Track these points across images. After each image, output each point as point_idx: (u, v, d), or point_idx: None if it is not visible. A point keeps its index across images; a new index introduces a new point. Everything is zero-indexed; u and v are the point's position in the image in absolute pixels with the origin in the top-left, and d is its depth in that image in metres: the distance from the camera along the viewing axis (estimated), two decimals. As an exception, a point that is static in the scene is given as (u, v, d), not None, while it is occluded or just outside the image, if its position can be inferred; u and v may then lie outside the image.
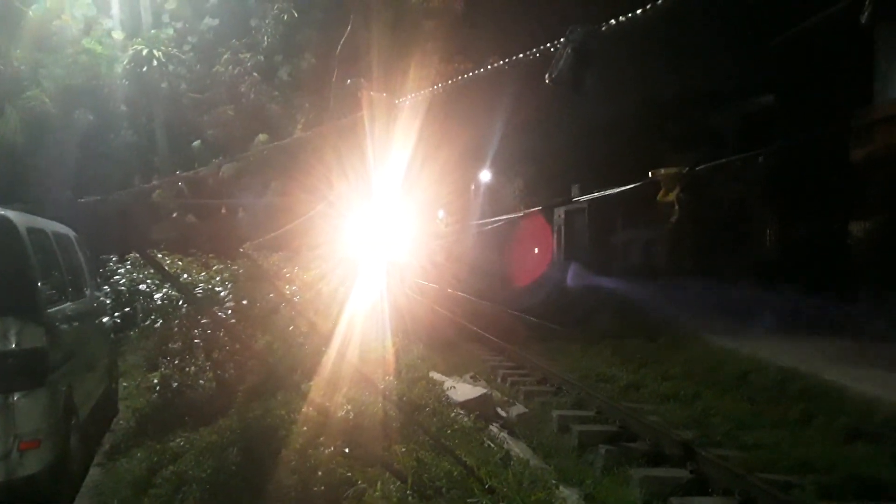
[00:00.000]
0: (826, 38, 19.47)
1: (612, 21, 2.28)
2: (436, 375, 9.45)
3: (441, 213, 14.79)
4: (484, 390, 9.22)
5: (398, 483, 4.62)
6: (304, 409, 5.90)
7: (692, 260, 27.62)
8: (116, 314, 8.74)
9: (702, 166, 3.38)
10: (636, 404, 10.18)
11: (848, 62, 19.08)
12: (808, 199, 19.06)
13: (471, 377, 10.88)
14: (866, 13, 2.18)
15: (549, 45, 2.44)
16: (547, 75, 2.50)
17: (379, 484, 4.62)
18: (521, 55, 2.55)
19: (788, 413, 9.55)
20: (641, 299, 21.17)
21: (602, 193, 5.09)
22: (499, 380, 12.19)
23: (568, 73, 2.42)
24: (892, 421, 8.62)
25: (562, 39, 2.38)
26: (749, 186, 22.06)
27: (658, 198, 3.50)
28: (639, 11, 2.28)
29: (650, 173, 3.48)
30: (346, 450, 5.20)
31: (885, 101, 17.69)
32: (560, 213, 38.93)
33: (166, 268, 8.10)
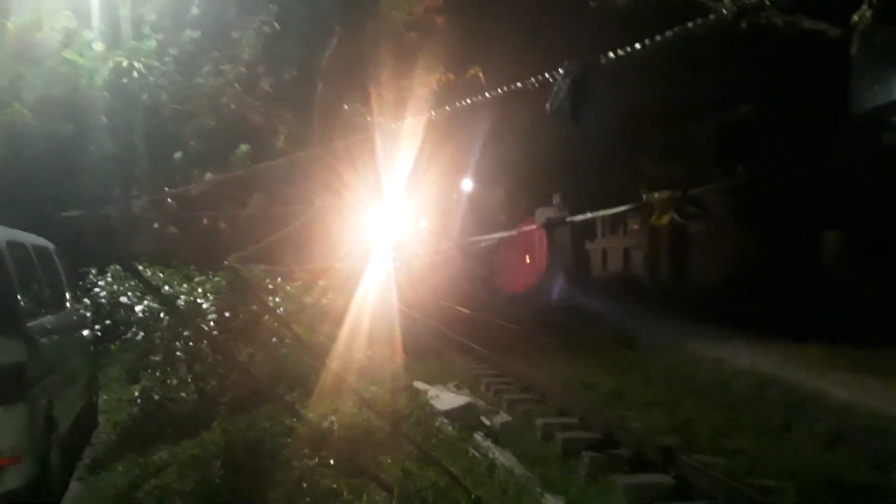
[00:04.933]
0: (803, 51, 19.77)
1: (611, 54, 2.34)
2: (420, 384, 9.45)
3: (424, 224, 14.84)
4: (468, 399, 9.24)
5: (384, 494, 4.63)
6: (287, 421, 5.88)
7: (672, 268, 27.86)
8: (97, 327, 8.67)
9: (695, 190, 3.44)
10: (619, 411, 10.24)
11: (825, 76, 19.38)
12: (784, 210, 19.28)
13: (455, 386, 10.89)
14: (856, 45, 2.26)
15: (544, 75, 2.51)
16: (547, 105, 2.56)
17: (364, 495, 4.62)
18: (517, 85, 2.61)
19: (769, 419, 9.66)
20: (622, 308, 21.30)
21: (595, 214, 5.15)
22: (483, 388, 12.20)
23: (567, 105, 2.48)
24: (870, 426, 8.73)
25: (560, 70, 2.44)
26: (727, 197, 22.28)
27: (652, 220, 3.56)
28: (637, 46, 2.34)
29: (644, 196, 3.54)
30: (331, 461, 5.20)
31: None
32: (542, 221, 39.11)
33: (148, 279, 8.05)
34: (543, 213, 37.66)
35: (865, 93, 19.20)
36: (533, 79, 2.70)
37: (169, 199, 10.36)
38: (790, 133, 20.67)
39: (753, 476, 7.19)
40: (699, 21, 2.31)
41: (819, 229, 19.22)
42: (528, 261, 39.76)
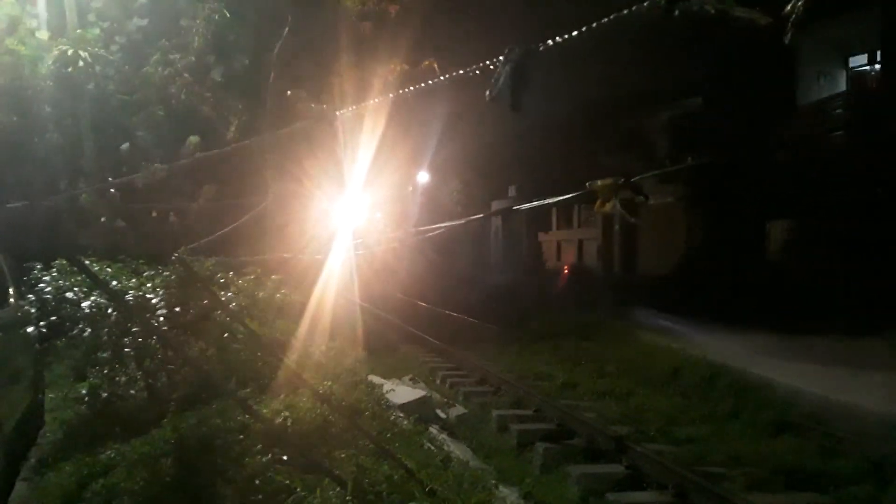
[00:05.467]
0: (751, 44, 20.17)
1: (550, 42, 2.32)
2: (375, 378, 9.41)
3: (378, 216, 14.75)
4: (423, 392, 9.25)
5: (338, 489, 4.59)
6: (240, 418, 5.80)
7: (623, 258, 28.23)
8: (42, 323, 8.44)
9: (636, 177, 3.44)
10: (573, 402, 10.35)
11: (772, 68, 19.78)
12: (731, 200, 19.66)
13: (410, 379, 10.89)
14: (789, 34, 2.28)
15: (487, 62, 2.48)
16: (487, 93, 2.54)
17: (318, 491, 4.58)
18: (460, 72, 2.58)
19: (718, 407, 9.86)
20: (575, 299, 21.51)
21: (541, 203, 5.12)
22: (438, 381, 12.23)
23: (506, 92, 2.46)
24: (815, 413, 8.98)
25: (500, 58, 2.41)
26: (676, 188, 22.62)
27: (595, 208, 3.57)
28: (575, 33, 2.32)
29: (587, 184, 3.54)
30: (285, 457, 5.14)
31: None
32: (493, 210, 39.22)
33: (95, 274, 7.85)
34: (499, 205, 37.79)
35: (811, 85, 19.66)
36: (478, 66, 2.67)
37: (112, 190, 10.09)
38: (738, 124, 21.08)
39: (704, 464, 7.34)
40: (634, 8, 2.31)
41: (765, 219, 19.64)
42: (481, 248, 39.87)
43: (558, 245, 35.55)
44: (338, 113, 7.68)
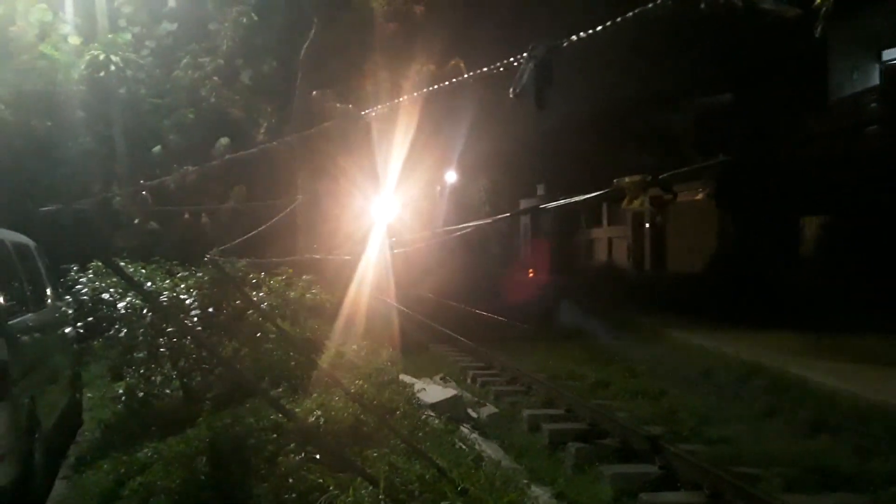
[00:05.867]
0: (782, 37, 19.90)
1: (574, 37, 2.30)
2: (406, 378, 9.43)
3: (407, 215, 14.79)
4: (454, 391, 9.24)
5: (370, 488, 4.61)
6: (273, 417, 5.85)
7: (654, 257, 28.01)
8: (79, 324, 8.59)
9: (664, 174, 3.41)
10: (605, 401, 10.29)
11: (803, 62, 19.50)
12: (763, 197, 19.39)
13: (441, 378, 10.88)
14: (820, 27, 2.24)
15: (511, 59, 2.47)
16: (511, 90, 2.53)
17: (351, 489, 4.60)
18: (484, 69, 2.58)
19: (752, 407, 9.74)
20: (607, 297, 21.38)
21: (568, 200, 5.10)
22: (469, 380, 12.22)
23: (530, 89, 2.45)
24: (852, 413, 8.82)
25: (524, 54, 2.40)
26: (707, 184, 22.37)
27: (623, 205, 3.53)
28: (599, 28, 2.31)
29: (615, 181, 3.51)
30: (317, 456, 5.17)
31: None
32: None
33: (130, 275, 7.97)
34: (528, 204, 37.69)
35: (844, 79, 19.34)
36: (503, 63, 2.65)
37: (143, 193, 10.24)
38: (770, 119, 20.80)
39: (738, 464, 7.24)
40: (658, 2, 2.28)
41: (798, 216, 19.36)
42: (511, 247, 39.80)
43: (589, 244, 35.35)
44: (364, 113, 7.71)
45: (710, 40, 20.63)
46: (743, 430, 8.72)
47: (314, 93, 12.27)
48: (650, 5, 2.32)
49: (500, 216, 19.90)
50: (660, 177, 3.58)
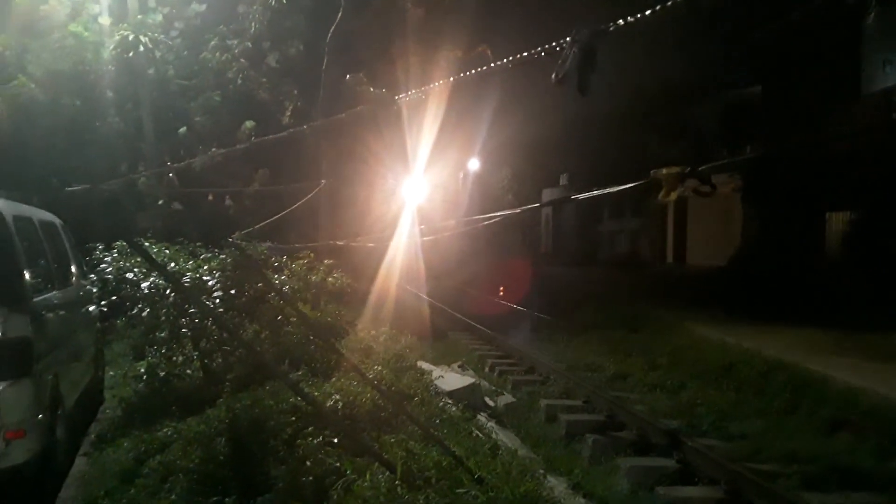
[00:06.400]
0: (813, 30, 19.60)
1: (620, 21, 2.26)
2: (424, 365, 9.46)
3: (433, 202, 14.82)
4: (472, 380, 9.24)
5: (387, 473, 4.62)
6: (292, 399, 5.89)
7: (677, 249, 27.81)
8: (103, 303, 8.69)
9: (704, 167, 3.37)
10: (623, 394, 10.24)
11: (835, 55, 19.19)
12: (789, 191, 19.15)
13: (459, 366, 10.89)
14: (872, 14, 2.20)
15: (553, 44, 2.42)
16: (553, 75, 2.48)
17: (368, 474, 4.62)
18: (524, 54, 2.54)
19: (773, 403, 9.62)
20: (626, 289, 21.26)
21: (602, 192, 5.06)
22: (487, 369, 12.22)
23: (573, 74, 2.40)
24: (873, 411, 8.71)
25: (567, 39, 2.36)
26: (732, 178, 22.13)
27: (660, 198, 3.49)
28: (648, 12, 2.27)
29: (651, 173, 3.46)
30: (335, 440, 5.20)
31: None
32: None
33: (153, 256, 8.04)
34: (550, 195, 37.55)
35: (877, 73, 19.00)
36: (539, 49, 2.59)
37: (171, 175, 10.32)
38: (799, 113, 20.52)
39: (757, 460, 7.19)
40: None
41: (824, 210, 19.10)
42: (532, 236, 39.68)
43: (611, 235, 35.17)
44: (398, 98, 7.70)
45: (739, 30, 20.36)
46: (762, 427, 8.63)
47: (347, 77, 12.27)
48: None
49: (529, 206, 19.80)
50: (699, 168, 3.53)
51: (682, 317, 15.84)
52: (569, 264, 31.66)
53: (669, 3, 2.22)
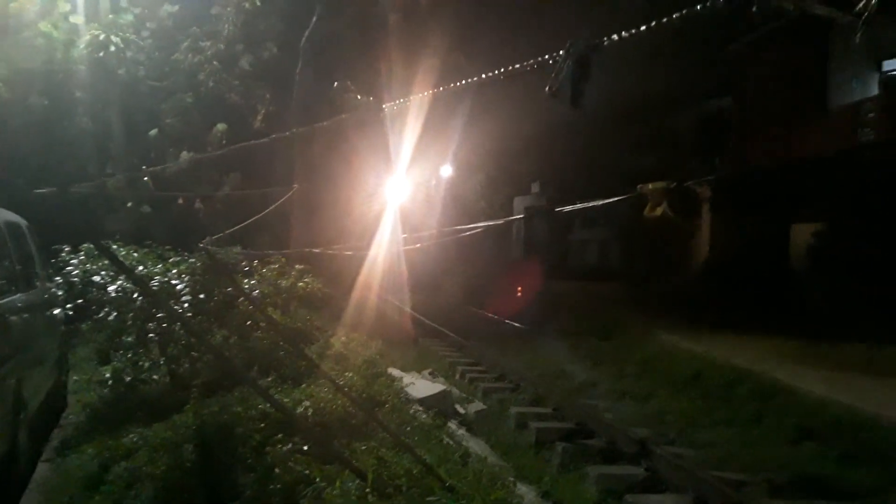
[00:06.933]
0: (783, 44, 19.94)
1: (615, 36, 2.28)
2: (394, 371, 9.42)
3: (405, 209, 14.77)
4: (443, 387, 9.23)
5: (357, 481, 4.59)
6: (261, 406, 5.83)
7: (646, 259, 28.00)
8: (69, 306, 8.53)
9: (689, 182, 3.41)
10: (593, 401, 10.29)
11: (803, 68, 19.55)
12: (756, 202, 19.42)
13: (429, 373, 10.88)
14: (860, 32, 2.23)
15: (547, 56, 2.42)
16: (547, 88, 2.47)
17: (338, 482, 4.58)
18: (517, 66, 2.53)
19: (740, 412, 9.74)
20: (597, 298, 21.39)
21: (586, 205, 5.11)
22: (457, 376, 12.21)
23: (567, 87, 2.40)
24: (838, 421, 8.84)
25: (561, 52, 2.36)
26: (701, 190, 22.39)
27: (645, 212, 3.53)
28: (643, 28, 2.28)
29: (638, 187, 3.50)
30: (305, 447, 5.15)
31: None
32: (520, 209, 39.07)
33: (121, 260, 7.92)
34: (522, 202, 37.65)
35: (844, 88, 19.36)
36: (532, 61, 2.58)
37: (146, 178, 10.20)
38: (768, 125, 20.86)
39: (724, 468, 7.26)
40: (708, 3, 2.25)
41: (791, 222, 19.39)
42: (503, 244, 39.77)
43: (581, 244, 35.33)
44: (382, 105, 7.70)
45: (714, 43, 20.63)
46: (730, 435, 8.73)
47: (335, 84, 12.26)
48: (699, 7, 2.29)
49: (513, 217, 19.87)
50: (684, 184, 3.58)
51: (652, 326, 15.97)
52: (539, 273, 31.75)
53: (665, 20, 2.24)
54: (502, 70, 2.52)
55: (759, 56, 20.97)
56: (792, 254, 19.23)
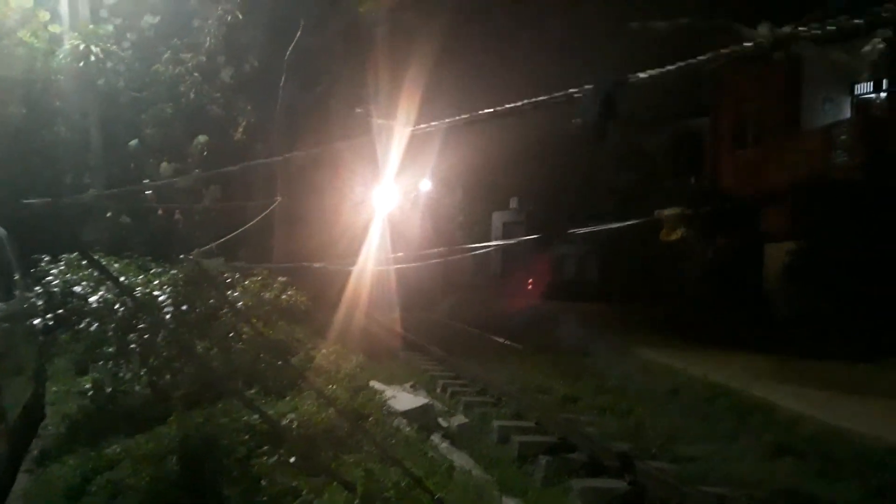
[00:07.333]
0: (756, 65, 20.29)
1: (641, 74, 2.32)
2: (376, 384, 9.40)
3: (388, 222, 14.78)
4: (425, 400, 9.22)
5: (345, 493, 4.58)
6: (246, 418, 5.80)
7: (625, 275, 28.20)
8: (48, 316, 8.42)
9: (706, 209, 3.53)
10: (574, 416, 10.33)
11: (777, 89, 19.90)
12: (732, 221, 19.68)
13: (411, 386, 10.85)
14: (866, 75, 2.31)
15: (573, 90, 2.45)
16: (573, 121, 2.50)
17: (326, 494, 4.57)
18: (542, 98, 2.55)
19: (718, 427, 9.83)
20: (576, 314, 21.51)
21: (599, 227, 5.18)
22: (439, 390, 12.18)
23: (592, 121, 2.43)
24: (815, 437, 8.97)
25: (588, 86, 2.39)
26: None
27: (661, 237, 3.62)
28: (668, 68, 2.33)
29: (655, 213, 3.60)
30: (291, 459, 5.13)
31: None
32: (499, 224, 39.24)
33: (106, 269, 7.84)
34: (500, 217, 37.85)
35: (817, 110, 19.73)
36: (560, 94, 2.61)
37: (148, 192, 10.11)
38: (743, 146, 21.20)
39: (705, 483, 7.31)
40: (736, 48, 2.30)
41: (765, 241, 19.66)
42: (483, 262, 39.87)
43: (560, 259, 35.48)
44: (410, 130, 7.71)
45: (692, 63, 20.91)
46: (709, 450, 8.79)
47: (357, 110, 12.27)
48: (723, 50, 2.32)
49: (506, 241, 19.94)
50: (701, 210, 3.68)
51: (631, 342, 16.10)
52: (520, 288, 31.88)
53: (698, 60, 2.29)
54: (527, 102, 2.54)
55: (734, 76, 21.31)
56: (768, 272, 19.48)
